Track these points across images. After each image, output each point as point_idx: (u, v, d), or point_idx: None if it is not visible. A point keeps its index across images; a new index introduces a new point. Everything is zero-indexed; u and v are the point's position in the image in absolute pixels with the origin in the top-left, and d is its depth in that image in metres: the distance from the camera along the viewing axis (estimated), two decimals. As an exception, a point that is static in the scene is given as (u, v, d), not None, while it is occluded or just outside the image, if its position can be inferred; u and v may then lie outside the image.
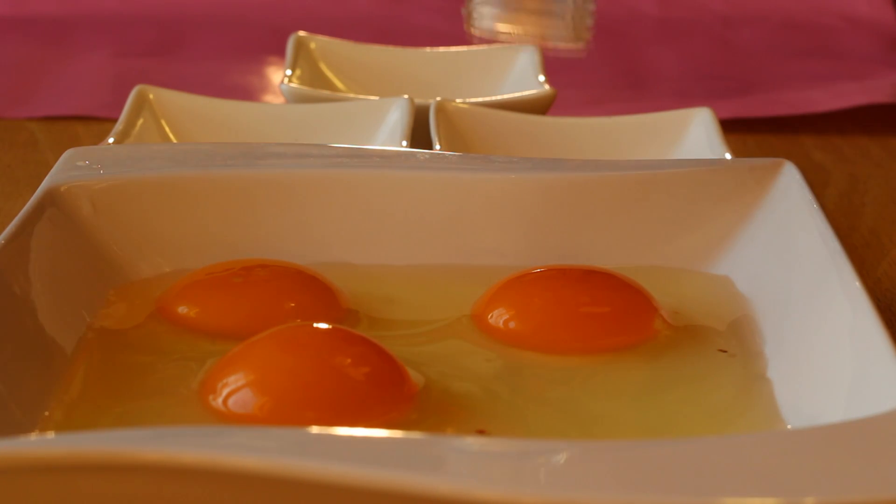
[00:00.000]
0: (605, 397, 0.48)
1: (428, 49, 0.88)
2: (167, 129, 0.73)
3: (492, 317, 0.52)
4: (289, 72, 0.81)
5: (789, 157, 0.59)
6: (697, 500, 0.36)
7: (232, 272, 0.54)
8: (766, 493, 0.36)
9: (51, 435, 0.43)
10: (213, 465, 0.36)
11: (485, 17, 0.50)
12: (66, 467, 0.37)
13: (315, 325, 0.49)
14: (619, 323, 0.52)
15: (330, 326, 0.49)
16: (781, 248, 0.54)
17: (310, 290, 0.54)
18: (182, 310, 0.52)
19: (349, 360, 0.47)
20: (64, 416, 0.45)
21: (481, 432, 0.45)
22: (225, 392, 0.46)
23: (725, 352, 0.51)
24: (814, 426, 0.42)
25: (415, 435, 0.41)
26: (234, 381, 0.46)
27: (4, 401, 0.44)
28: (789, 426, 0.45)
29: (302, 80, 0.81)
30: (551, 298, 0.53)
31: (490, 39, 0.50)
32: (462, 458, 0.38)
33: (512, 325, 0.52)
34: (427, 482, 0.36)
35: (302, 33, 0.87)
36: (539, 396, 0.48)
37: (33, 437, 0.42)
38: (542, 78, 0.78)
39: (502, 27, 0.50)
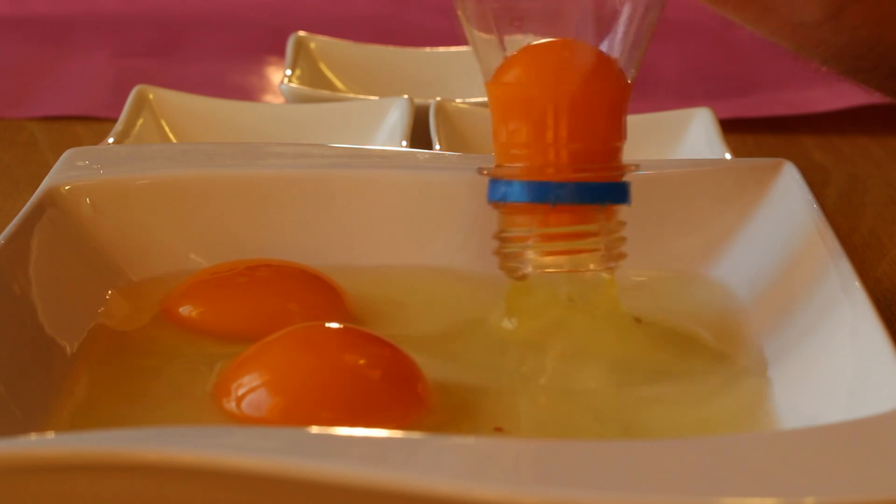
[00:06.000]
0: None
1: (428, 49, 0.88)
2: (167, 129, 0.74)
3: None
4: (289, 72, 0.81)
5: (789, 157, 0.59)
6: (697, 500, 0.36)
7: (237, 273, 0.54)
8: (766, 493, 0.36)
9: (51, 435, 0.43)
10: (214, 465, 0.36)
11: (517, 257, 0.50)
12: (66, 467, 0.37)
13: (330, 325, 0.49)
14: None
15: (345, 326, 0.49)
16: (782, 249, 0.54)
17: (316, 290, 0.54)
18: (188, 311, 0.52)
19: (366, 361, 0.47)
20: (69, 420, 0.45)
21: (499, 430, 0.45)
22: (241, 393, 0.46)
23: (725, 353, 0.51)
24: (814, 426, 0.42)
25: (415, 435, 0.41)
26: (251, 382, 0.46)
27: (4, 401, 0.44)
28: (789, 426, 0.45)
29: (302, 80, 0.81)
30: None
31: (523, 276, 0.51)
32: (462, 457, 0.38)
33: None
34: (427, 482, 0.36)
35: (302, 33, 0.88)
36: (557, 395, 0.48)
37: (33, 437, 0.42)
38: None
39: (536, 264, 0.50)
